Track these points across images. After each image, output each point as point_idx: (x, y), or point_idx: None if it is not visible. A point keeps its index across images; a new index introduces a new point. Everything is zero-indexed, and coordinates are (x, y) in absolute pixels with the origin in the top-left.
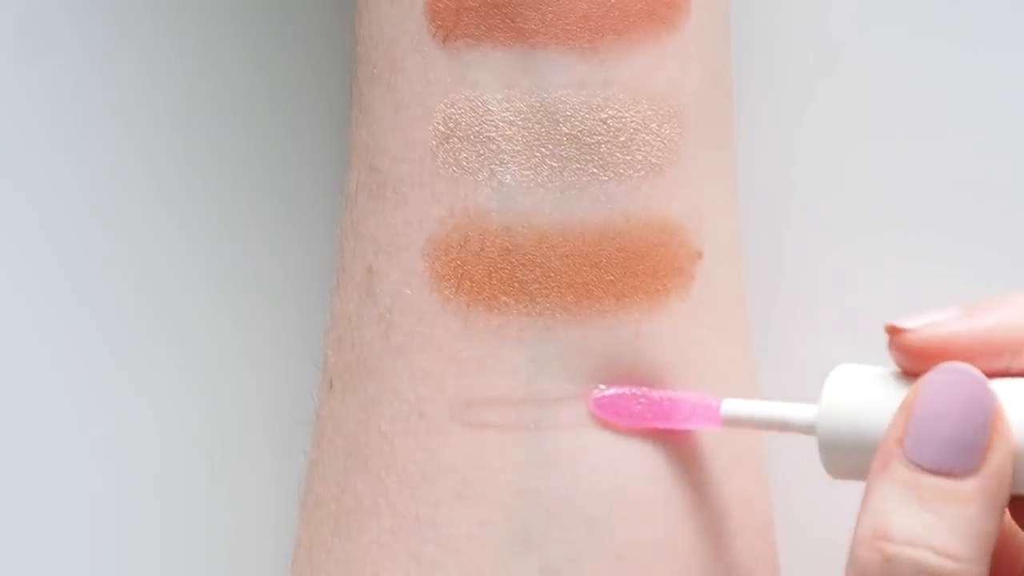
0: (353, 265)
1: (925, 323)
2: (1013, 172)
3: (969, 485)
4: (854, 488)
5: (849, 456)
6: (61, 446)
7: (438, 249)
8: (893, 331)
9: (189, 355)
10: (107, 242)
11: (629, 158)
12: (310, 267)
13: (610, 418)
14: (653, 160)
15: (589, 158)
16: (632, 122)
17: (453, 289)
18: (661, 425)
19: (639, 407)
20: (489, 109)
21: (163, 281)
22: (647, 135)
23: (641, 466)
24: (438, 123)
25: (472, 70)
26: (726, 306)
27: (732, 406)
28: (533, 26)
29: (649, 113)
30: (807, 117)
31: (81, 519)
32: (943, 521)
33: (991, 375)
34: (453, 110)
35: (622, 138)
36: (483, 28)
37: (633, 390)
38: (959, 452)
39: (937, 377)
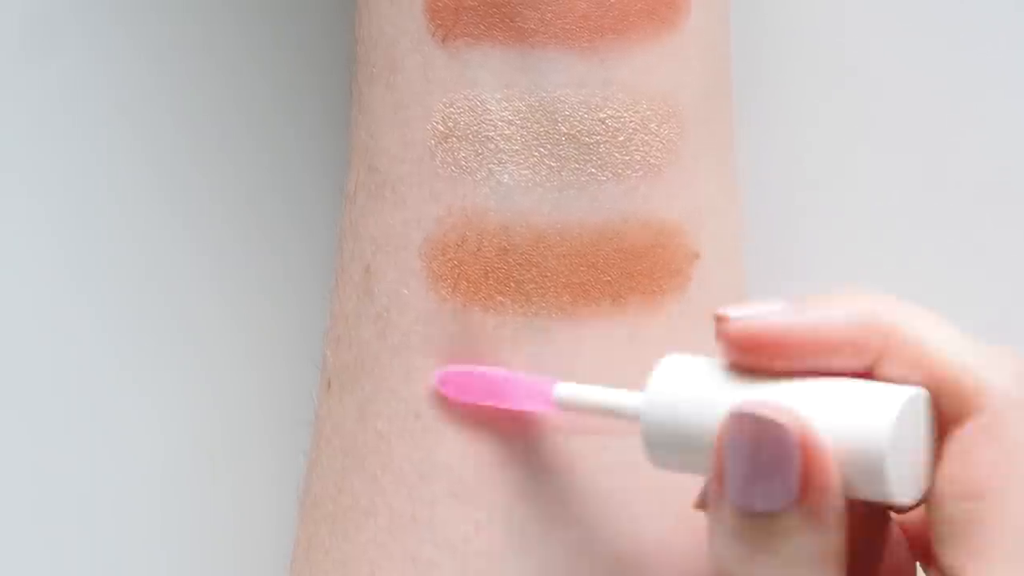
0: (352, 265)
1: (747, 313)
2: (1016, 174)
3: (796, 516)
4: None
5: (671, 450)
6: (61, 444)
7: (435, 249)
8: (718, 319)
9: (189, 355)
10: (109, 241)
11: (628, 158)
12: (310, 267)
13: (451, 394)
14: (652, 160)
15: (588, 158)
16: (631, 122)
17: (450, 289)
18: (498, 404)
19: (479, 385)
20: (488, 108)
21: (164, 280)
22: (646, 135)
23: (638, 468)
24: (437, 122)
25: (471, 69)
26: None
27: (565, 390)
28: (532, 25)
29: (648, 113)
30: (807, 117)
31: (81, 518)
32: (776, 557)
33: (811, 374)
34: (452, 109)
35: (621, 138)
36: (482, 27)
37: (476, 369)
38: (773, 489)
39: (733, 423)
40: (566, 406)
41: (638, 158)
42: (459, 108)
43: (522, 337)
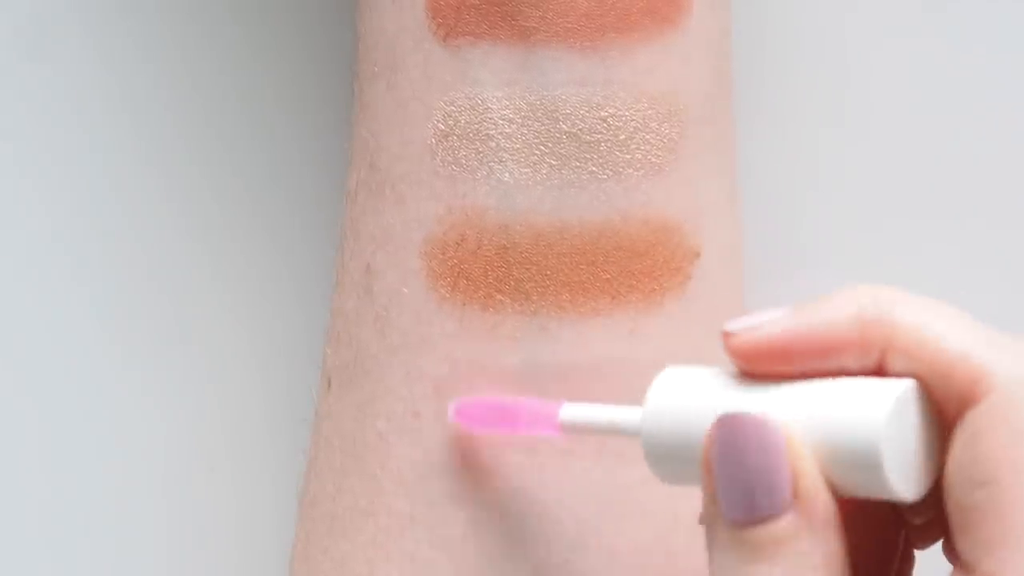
0: (352, 263)
1: (748, 326)
2: (1017, 174)
3: (788, 521)
4: None
5: (673, 463)
6: (60, 444)
7: (435, 248)
8: (724, 335)
9: (190, 354)
10: (109, 240)
11: (628, 157)
12: (311, 265)
13: (467, 424)
14: (652, 159)
15: (588, 156)
16: (632, 121)
17: (449, 288)
18: (510, 431)
19: (490, 414)
20: (489, 107)
21: (164, 279)
22: (647, 134)
23: (634, 465)
24: (438, 121)
25: (473, 68)
26: (722, 306)
27: (569, 412)
28: (534, 24)
29: (649, 112)
30: (808, 117)
31: (81, 517)
32: (775, 567)
33: (818, 375)
34: (453, 108)
35: (622, 137)
36: (484, 26)
37: (488, 398)
38: (764, 496)
39: (716, 433)
40: (571, 429)
41: (639, 157)
42: (460, 106)
43: (521, 335)
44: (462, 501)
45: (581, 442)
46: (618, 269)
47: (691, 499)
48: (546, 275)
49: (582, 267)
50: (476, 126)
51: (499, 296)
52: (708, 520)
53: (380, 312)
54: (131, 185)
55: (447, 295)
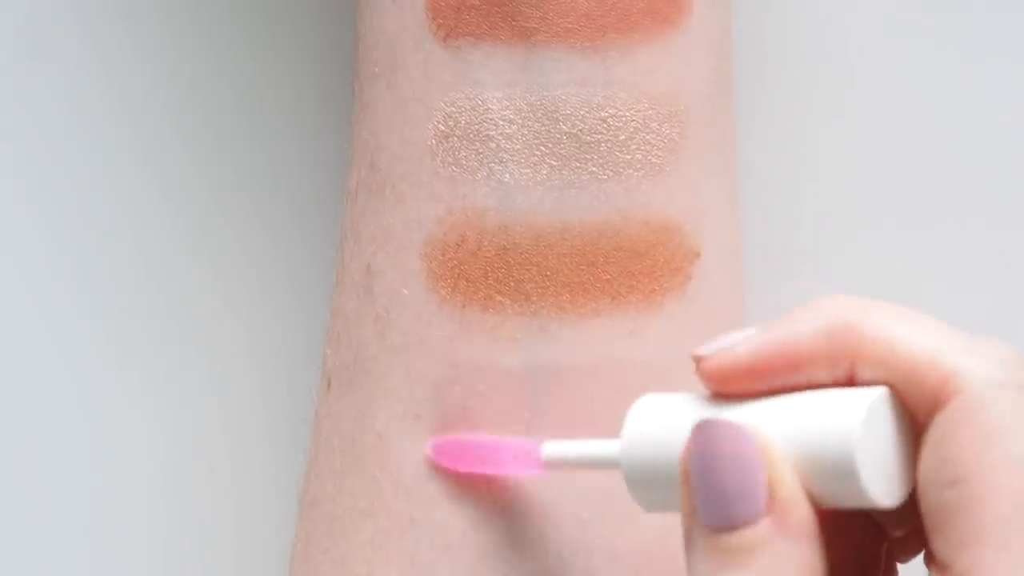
0: (352, 263)
1: (718, 348)
2: (1017, 173)
3: (764, 528)
4: None
5: (653, 490)
6: (60, 443)
7: (435, 249)
8: (695, 360)
9: (190, 354)
10: (109, 240)
11: (629, 157)
12: (311, 266)
13: (445, 463)
14: (653, 159)
15: (589, 157)
16: (632, 121)
17: (449, 289)
18: (491, 471)
19: (470, 453)
20: (489, 108)
21: (164, 279)
22: (647, 134)
23: None
24: (438, 121)
25: (473, 68)
26: (723, 306)
27: (550, 449)
28: (534, 24)
29: (650, 112)
30: (808, 117)
31: (81, 517)
32: (751, 571)
33: (790, 390)
34: (453, 108)
35: (622, 137)
36: (484, 26)
37: (467, 437)
38: (739, 503)
39: (693, 439)
40: (554, 466)
41: (639, 157)
42: (460, 107)
43: (521, 336)
44: (461, 502)
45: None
46: (618, 270)
47: None
48: (546, 276)
49: (582, 268)
50: (476, 127)
51: (499, 297)
52: (686, 528)
53: (380, 313)
54: (131, 185)
55: (447, 296)
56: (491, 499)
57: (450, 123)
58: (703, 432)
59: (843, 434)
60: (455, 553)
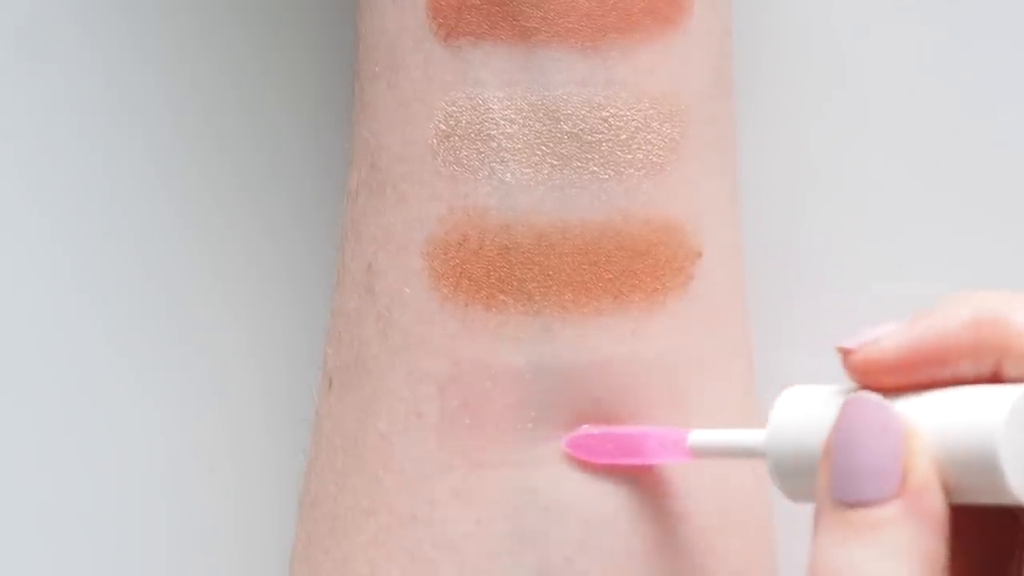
0: (353, 263)
1: (865, 341)
2: (1017, 173)
3: (893, 509)
4: None
5: (798, 479)
6: (60, 443)
7: (437, 248)
8: (842, 352)
9: (190, 353)
10: (109, 240)
11: (630, 157)
12: (312, 265)
13: (583, 456)
14: (654, 159)
15: (590, 156)
16: (633, 121)
17: (451, 288)
18: (635, 461)
19: (611, 445)
20: (490, 107)
21: (164, 279)
22: (648, 134)
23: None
24: (439, 121)
25: (474, 68)
26: (724, 306)
27: (697, 437)
28: (535, 24)
29: (651, 112)
30: (808, 117)
31: (81, 517)
32: (872, 550)
33: (934, 385)
34: (454, 108)
35: (623, 136)
36: (485, 26)
37: (605, 429)
38: (874, 479)
39: (844, 412)
40: (700, 453)
41: (640, 156)
42: (461, 107)
43: (524, 335)
44: (464, 500)
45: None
46: (620, 269)
47: (695, 501)
48: (548, 275)
49: (584, 267)
50: (477, 126)
51: (502, 296)
52: (818, 502)
53: (382, 312)
54: (131, 185)
55: (449, 295)
56: (494, 497)
57: (451, 123)
58: (851, 406)
59: (987, 429)
60: (457, 551)
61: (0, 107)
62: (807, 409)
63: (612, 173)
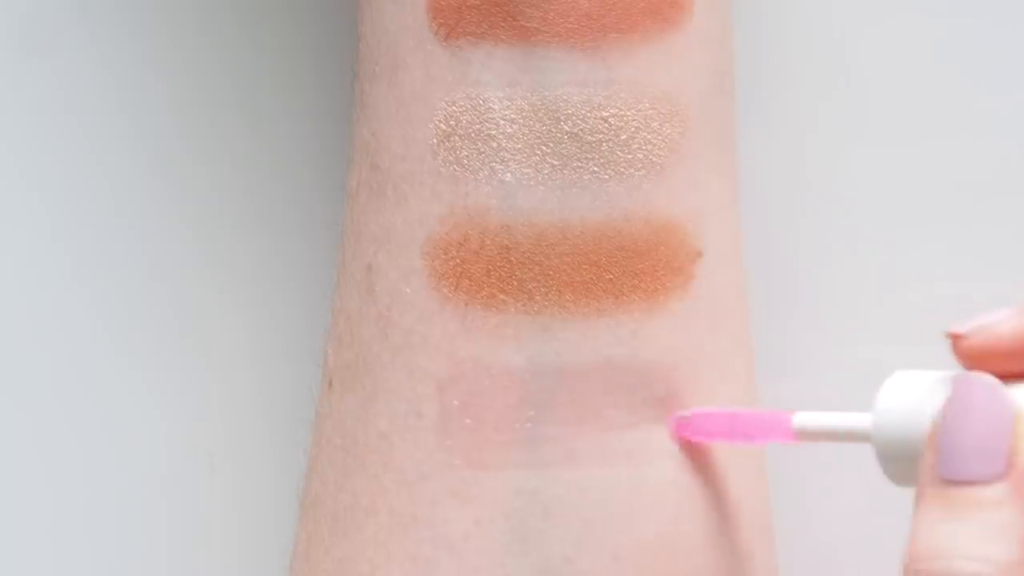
0: (354, 263)
1: (978, 327)
2: (1017, 173)
3: (998, 489)
4: (853, 487)
5: (904, 463)
6: (60, 443)
7: (437, 248)
8: (953, 337)
9: (190, 353)
10: (109, 240)
11: (630, 157)
12: (312, 265)
13: (691, 435)
14: (654, 159)
15: (590, 156)
16: (634, 121)
17: (452, 288)
18: (741, 441)
19: (720, 425)
20: (490, 107)
21: (164, 279)
22: (648, 134)
23: (639, 465)
24: (439, 121)
25: (474, 68)
26: (725, 306)
27: (803, 419)
28: (535, 24)
29: (651, 112)
30: (810, 117)
31: (81, 517)
32: (973, 528)
33: None
34: (454, 108)
35: (623, 137)
36: (485, 26)
37: (711, 410)
38: (981, 459)
39: (955, 391)
40: (805, 436)
41: (640, 156)
42: (461, 107)
43: (525, 335)
44: (463, 500)
45: (585, 442)
46: (621, 269)
47: (695, 500)
48: (549, 275)
49: (585, 267)
50: (478, 126)
51: (502, 296)
52: (921, 481)
53: (382, 312)
54: (131, 185)
55: (450, 295)
56: (494, 497)
57: (451, 123)
58: (963, 385)
59: None
60: (457, 551)
61: (0, 107)
62: (913, 393)
63: (612, 173)
